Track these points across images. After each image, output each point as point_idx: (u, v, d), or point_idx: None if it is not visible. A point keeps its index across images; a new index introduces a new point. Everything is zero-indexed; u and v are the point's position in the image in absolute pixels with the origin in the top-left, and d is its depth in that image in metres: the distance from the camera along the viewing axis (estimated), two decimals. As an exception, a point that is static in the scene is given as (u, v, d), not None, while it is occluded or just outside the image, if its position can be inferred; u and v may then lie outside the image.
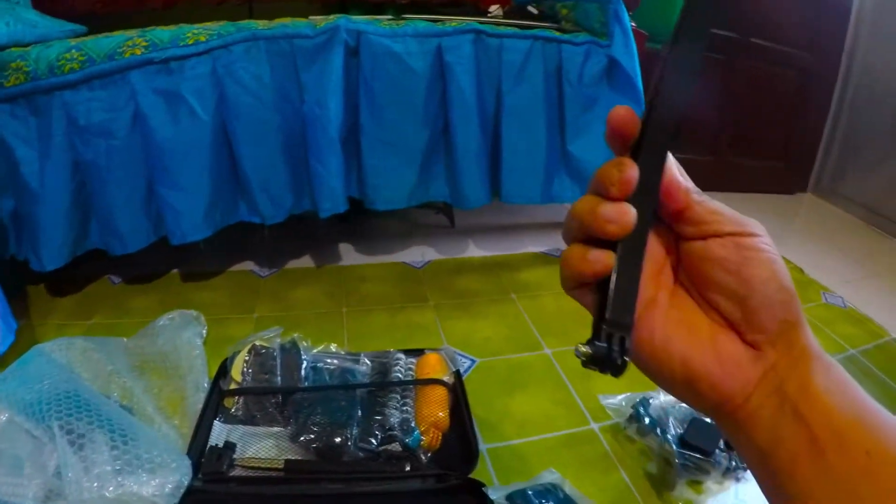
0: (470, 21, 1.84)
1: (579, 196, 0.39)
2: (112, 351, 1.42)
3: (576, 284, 0.39)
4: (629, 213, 0.36)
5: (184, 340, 1.49)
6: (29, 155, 1.53)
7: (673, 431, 1.28)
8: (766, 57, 3.02)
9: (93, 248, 1.71)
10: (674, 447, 1.24)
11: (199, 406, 1.30)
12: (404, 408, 1.30)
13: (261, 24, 1.69)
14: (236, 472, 1.17)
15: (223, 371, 1.40)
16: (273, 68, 1.69)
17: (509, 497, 1.13)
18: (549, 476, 1.20)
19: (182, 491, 1.06)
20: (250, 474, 1.18)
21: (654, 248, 0.41)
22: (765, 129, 3.21)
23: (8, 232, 1.61)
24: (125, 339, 1.52)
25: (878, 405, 0.36)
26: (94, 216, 1.66)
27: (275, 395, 1.32)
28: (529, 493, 1.13)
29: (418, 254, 2.20)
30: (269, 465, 1.18)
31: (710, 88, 2.89)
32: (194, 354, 1.46)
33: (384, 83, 1.76)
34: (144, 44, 1.56)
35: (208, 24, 1.68)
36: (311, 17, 1.79)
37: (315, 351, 1.49)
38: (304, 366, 1.41)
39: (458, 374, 1.43)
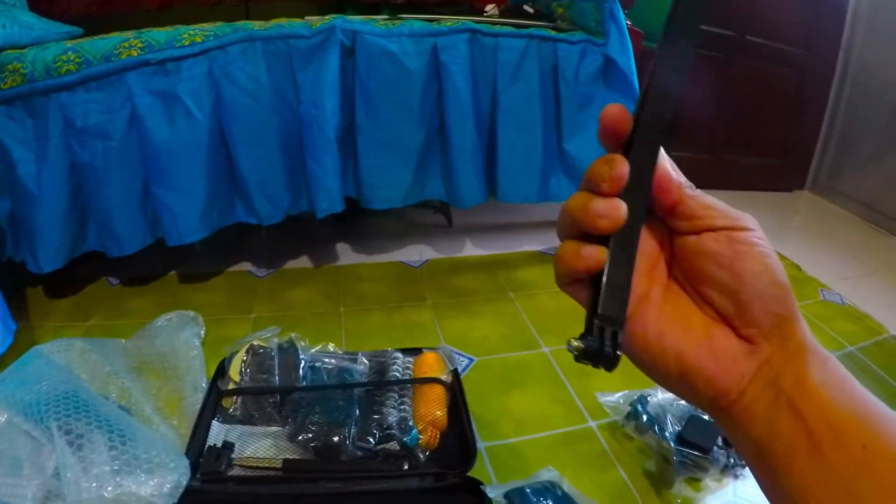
0: (466, 20, 1.85)
1: None
2: (110, 352, 1.42)
3: (570, 281, 0.39)
4: (620, 207, 0.37)
5: (182, 341, 1.49)
6: (26, 157, 1.53)
7: (671, 429, 1.28)
8: (763, 55, 3.03)
9: (90, 250, 1.71)
10: (672, 445, 1.24)
11: (198, 406, 1.30)
12: (402, 407, 1.30)
13: (257, 25, 1.70)
14: (234, 471, 1.18)
15: (221, 371, 1.40)
16: (269, 69, 1.69)
17: (507, 495, 1.13)
18: (548, 474, 1.20)
19: (180, 491, 1.06)
20: (248, 474, 1.18)
21: (648, 244, 0.42)
22: (762, 126, 3.21)
23: (5, 234, 1.61)
24: (123, 341, 1.52)
25: (875, 399, 0.36)
26: (91, 218, 1.66)
27: (273, 395, 1.32)
28: (527, 491, 1.13)
29: (416, 253, 2.20)
30: (267, 465, 1.18)
31: (708, 86, 2.89)
32: (192, 355, 1.46)
33: (380, 83, 1.76)
34: (140, 45, 1.56)
35: (204, 25, 1.68)
36: (307, 18, 1.79)
37: (313, 350, 1.49)
38: (301, 365, 1.41)
39: (455, 373, 1.43)
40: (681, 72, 0.40)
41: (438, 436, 1.27)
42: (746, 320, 0.37)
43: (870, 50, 3.02)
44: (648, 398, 1.37)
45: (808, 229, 2.92)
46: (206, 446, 1.20)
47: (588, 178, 0.38)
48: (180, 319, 1.61)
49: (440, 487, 1.16)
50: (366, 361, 1.45)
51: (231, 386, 1.35)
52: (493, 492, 1.14)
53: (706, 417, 1.30)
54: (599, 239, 0.38)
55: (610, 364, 0.37)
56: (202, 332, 1.62)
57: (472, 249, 2.26)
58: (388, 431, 1.23)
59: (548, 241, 2.31)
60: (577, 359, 0.38)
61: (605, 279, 0.38)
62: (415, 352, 1.51)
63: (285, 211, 1.84)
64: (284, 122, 1.74)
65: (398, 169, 1.89)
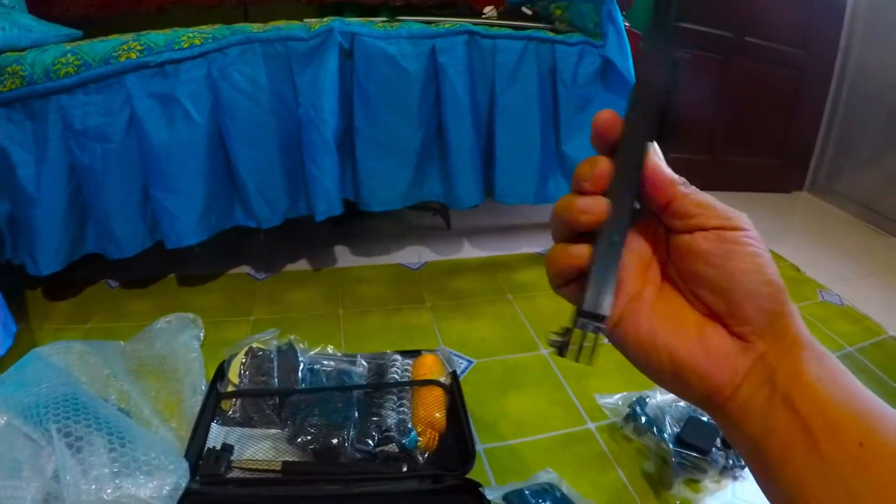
0: (464, 22, 1.85)
1: None
2: (109, 354, 1.42)
3: (562, 281, 0.41)
4: (601, 203, 0.38)
5: (181, 343, 1.49)
6: (25, 159, 1.53)
7: (670, 430, 1.28)
8: (762, 55, 3.03)
9: (89, 252, 1.71)
10: (670, 446, 1.24)
11: (197, 408, 1.30)
12: (401, 409, 1.30)
13: (255, 27, 1.70)
14: (234, 473, 1.18)
15: (220, 373, 1.40)
16: (268, 71, 1.69)
17: (506, 497, 1.13)
18: (546, 476, 1.20)
19: (180, 493, 1.06)
20: (248, 476, 1.18)
21: (642, 245, 0.42)
22: (760, 127, 3.22)
23: (4, 237, 1.61)
24: (122, 343, 1.52)
25: (872, 395, 0.35)
26: (90, 220, 1.66)
27: (272, 397, 1.32)
28: (526, 492, 1.13)
29: (414, 255, 2.21)
30: (266, 467, 1.18)
31: (706, 87, 2.90)
32: (191, 357, 1.46)
33: (378, 85, 1.76)
34: (139, 48, 1.56)
35: (203, 28, 1.69)
36: (305, 20, 1.80)
37: (312, 353, 1.49)
38: (300, 368, 1.41)
39: (454, 375, 1.43)
40: (664, 72, 0.40)
41: (437, 438, 1.27)
42: (738, 318, 0.38)
43: (868, 51, 3.03)
44: (647, 400, 1.37)
45: (807, 230, 2.93)
46: (206, 448, 1.20)
47: (573, 179, 0.40)
48: (179, 322, 1.61)
49: (439, 489, 1.16)
50: (365, 363, 1.46)
51: (230, 388, 1.35)
52: (492, 493, 1.14)
53: (705, 419, 1.30)
54: (587, 238, 0.39)
55: (588, 359, 0.40)
56: (201, 334, 1.63)
57: (470, 251, 2.27)
58: (386, 433, 1.23)
59: (546, 242, 2.31)
60: (559, 353, 0.40)
61: (589, 276, 0.38)
62: (413, 354, 1.51)
63: (283, 214, 1.84)
64: (283, 125, 1.74)
65: (396, 170, 1.89)
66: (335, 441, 1.20)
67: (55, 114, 1.53)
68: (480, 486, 1.15)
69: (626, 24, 1.94)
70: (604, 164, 0.39)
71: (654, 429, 1.29)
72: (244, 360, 1.40)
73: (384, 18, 1.98)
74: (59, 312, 1.75)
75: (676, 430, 1.28)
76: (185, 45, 1.59)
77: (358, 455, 1.20)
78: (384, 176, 1.88)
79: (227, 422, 1.29)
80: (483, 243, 2.32)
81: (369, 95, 1.77)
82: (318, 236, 2.28)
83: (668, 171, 0.39)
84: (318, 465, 1.20)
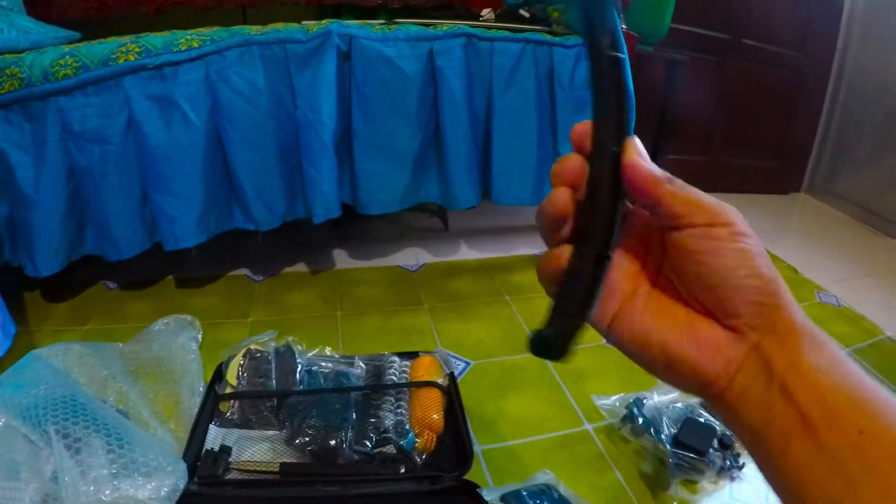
0: (461, 25, 1.85)
1: None
2: (108, 356, 1.43)
3: (552, 286, 0.41)
4: (564, 194, 0.40)
5: (179, 345, 1.49)
6: (24, 161, 1.53)
7: (667, 431, 1.29)
8: (759, 57, 3.03)
9: (88, 254, 1.71)
10: (668, 447, 1.25)
11: (195, 410, 1.30)
12: (398, 410, 1.31)
13: (254, 30, 1.70)
14: (232, 475, 1.18)
15: (218, 375, 1.40)
16: (266, 73, 1.69)
17: (504, 498, 1.13)
18: (544, 477, 1.20)
19: (178, 494, 1.06)
20: (246, 477, 1.18)
21: (635, 245, 0.44)
22: (758, 129, 3.22)
23: (3, 238, 1.61)
24: (121, 345, 1.52)
25: (874, 383, 0.35)
26: (89, 222, 1.67)
27: (270, 399, 1.32)
28: (524, 493, 1.13)
29: (412, 257, 2.21)
30: (264, 469, 1.18)
31: (704, 89, 2.90)
32: (189, 359, 1.46)
33: (376, 87, 1.77)
34: (138, 50, 1.56)
35: (201, 30, 1.69)
36: (303, 22, 1.80)
37: (310, 354, 1.50)
38: (298, 369, 1.41)
39: (452, 377, 1.43)
40: (610, 68, 0.41)
41: (435, 439, 1.27)
42: (727, 312, 0.38)
43: (865, 52, 3.03)
44: (644, 401, 1.38)
45: (805, 231, 2.93)
46: (204, 450, 1.21)
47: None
48: (177, 324, 1.61)
49: (436, 490, 1.16)
50: (362, 365, 1.46)
51: (228, 390, 1.35)
52: (490, 495, 1.14)
53: (702, 420, 1.30)
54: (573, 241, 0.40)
55: (560, 357, 0.41)
56: (199, 336, 1.63)
57: (467, 253, 2.27)
58: (384, 435, 1.23)
59: (543, 244, 2.30)
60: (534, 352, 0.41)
61: (565, 276, 0.40)
62: (411, 355, 1.51)
63: (282, 217, 1.84)
64: (281, 127, 1.74)
65: (394, 173, 1.89)
66: (333, 442, 1.20)
67: (54, 116, 1.53)
68: (478, 487, 1.15)
69: (623, 26, 1.94)
70: (572, 161, 0.40)
71: (652, 430, 1.30)
72: (242, 362, 1.40)
73: (382, 21, 1.98)
74: (58, 314, 1.76)
75: (673, 431, 1.28)
76: (184, 48, 1.60)
77: (356, 456, 1.21)
78: (382, 178, 1.88)
79: (225, 423, 1.29)
80: (480, 245, 2.32)
81: (367, 98, 1.77)
82: (317, 238, 2.28)
83: (651, 170, 0.39)
84: (315, 466, 1.20)
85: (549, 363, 1.60)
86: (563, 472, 1.23)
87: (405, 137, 1.85)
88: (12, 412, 1.07)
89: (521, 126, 1.93)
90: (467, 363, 1.60)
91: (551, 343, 0.40)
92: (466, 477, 1.18)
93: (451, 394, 1.38)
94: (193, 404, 1.33)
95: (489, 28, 1.91)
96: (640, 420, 1.33)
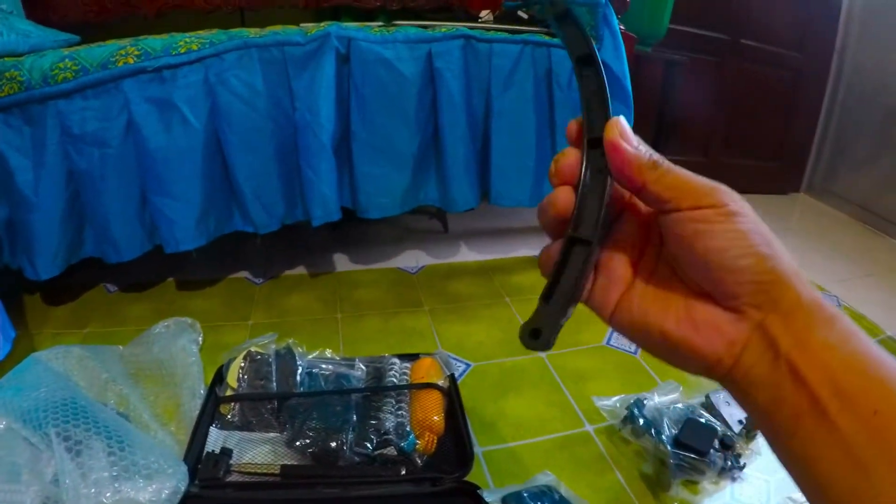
0: (460, 27, 1.85)
1: None
2: (108, 359, 1.43)
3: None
4: (563, 195, 0.40)
5: (179, 348, 1.49)
6: (23, 164, 1.53)
7: (667, 432, 1.29)
8: (758, 57, 3.04)
9: (88, 257, 1.71)
10: (668, 448, 1.25)
11: (196, 413, 1.30)
12: (399, 412, 1.31)
13: (252, 32, 1.70)
14: (233, 477, 1.18)
15: (219, 377, 1.40)
16: (265, 76, 1.69)
17: (504, 499, 1.13)
18: (545, 478, 1.20)
19: (179, 497, 1.06)
20: (247, 480, 1.18)
21: (635, 231, 0.44)
22: (757, 129, 3.23)
23: (2, 241, 1.61)
24: (121, 347, 1.52)
25: (890, 358, 0.34)
26: (88, 224, 1.67)
27: (270, 401, 1.32)
28: (525, 495, 1.13)
29: (412, 259, 2.21)
30: (265, 471, 1.18)
31: (703, 89, 2.90)
32: (190, 361, 1.46)
33: (375, 89, 1.76)
34: (137, 53, 1.56)
35: (200, 33, 1.69)
36: (302, 25, 1.80)
37: (310, 357, 1.49)
38: (299, 371, 1.41)
39: (452, 378, 1.43)
40: (590, 66, 0.42)
41: (435, 441, 1.27)
42: (724, 294, 0.38)
43: (863, 52, 3.04)
44: (645, 402, 1.38)
45: (804, 231, 2.93)
46: (205, 452, 1.21)
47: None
48: (178, 326, 1.61)
49: (437, 492, 1.16)
50: (363, 367, 1.46)
51: (229, 392, 1.35)
52: (491, 496, 1.14)
53: (703, 420, 1.31)
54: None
55: (547, 347, 0.42)
56: (200, 338, 1.63)
57: (467, 255, 2.27)
58: (385, 437, 1.23)
59: (542, 245, 2.31)
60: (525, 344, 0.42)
61: (554, 269, 0.41)
62: (412, 357, 1.51)
63: (281, 219, 1.84)
64: (280, 129, 1.74)
65: (394, 175, 1.89)
66: (333, 444, 1.20)
67: (53, 119, 1.53)
68: (479, 488, 1.15)
69: (622, 27, 1.95)
70: (568, 157, 0.40)
71: (652, 431, 1.30)
72: (243, 365, 1.40)
73: (380, 23, 1.98)
74: (58, 317, 1.76)
75: (674, 431, 1.28)
76: (183, 51, 1.60)
77: (356, 458, 1.21)
78: (382, 181, 1.88)
79: (225, 425, 1.29)
80: (480, 247, 2.32)
81: (366, 100, 1.77)
82: (316, 241, 2.28)
83: (635, 153, 0.39)
84: (316, 468, 1.20)
85: (549, 365, 1.60)
86: (563, 474, 1.23)
87: (404, 139, 1.85)
88: (13, 415, 1.07)
89: (519, 127, 1.93)
90: (468, 365, 1.60)
91: (538, 333, 0.41)
92: (467, 478, 1.18)
93: (452, 395, 1.38)
94: (194, 407, 1.33)
95: (488, 29, 1.91)
96: (641, 421, 1.33)
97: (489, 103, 1.90)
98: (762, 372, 0.36)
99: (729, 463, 1.25)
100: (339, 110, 1.76)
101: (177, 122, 1.61)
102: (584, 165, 0.40)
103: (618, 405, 1.42)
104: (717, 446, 1.26)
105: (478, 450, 1.30)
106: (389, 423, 1.26)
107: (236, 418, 1.30)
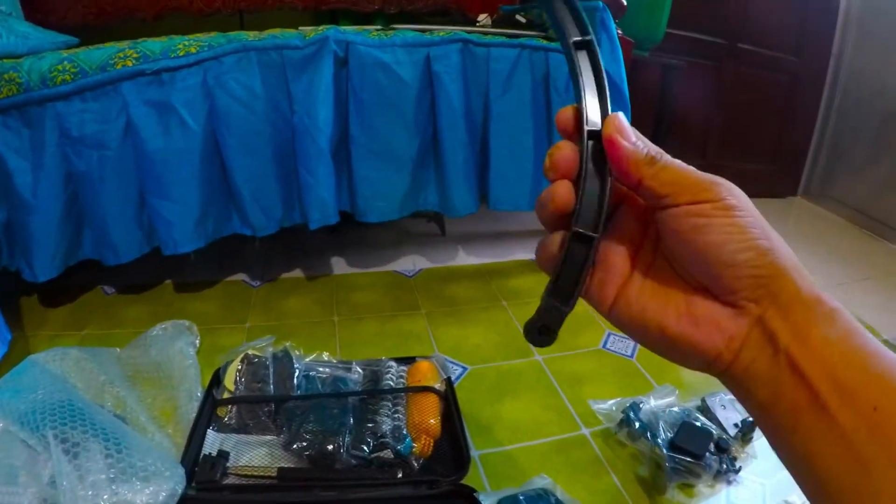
0: (458, 30, 1.86)
1: None
2: (105, 361, 1.43)
3: (549, 271, 0.42)
4: (562, 189, 0.39)
5: (176, 350, 1.49)
6: (22, 166, 1.53)
7: (663, 435, 1.29)
8: (755, 61, 3.05)
9: (86, 259, 1.71)
10: (664, 451, 1.25)
11: (193, 415, 1.30)
12: (396, 415, 1.31)
13: (251, 35, 1.70)
14: (230, 480, 1.18)
15: (216, 380, 1.41)
16: (263, 79, 1.69)
17: (501, 502, 1.14)
18: (541, 481, 1.20)
19: (176, 499, 1.06)
20: (244, 482, 1.18)
21: (633, 226, 0.43)
22: (754, 133, 3.24)
23: (0, 243, 1.61)
24: (118, 350, 1.52)
25: (891, 354, 0.33)
26: (87, 227, 1.67)
27: (267, 404, 1.33)
28: (521, 498, 1.14)
29: (409, 262, 2.21)
30: (262, 473, 1.18)
31: (700, 93, 2.91)
32: (187, 364, 1.46)
33: (373, 93, 1.77)
34: (136, 55, 1.56)
35: (199, 36, 1.69)
36: (300, 28, 1.80)
37: (307, 359, 1.49)
38: (296, 374, 1.41)
39: (449, 382, 1.43)
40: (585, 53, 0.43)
41: (432, 444, 1.27)
42: (722, 289, 0.38)
43: (860, 56, 3.05)
44: (641, 405, 1.38)
45: (802, 235, 2.94)
46: (202, 455, 1.21)
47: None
48: (175, 329, 1.61)
49: (434, 495, 1.16)
50: (360, 370, 1.46)
51: (226, 395, 1.35)
52: (487, 499, 1.14)
53: (699, 424, 1.31)
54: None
55: (549, 342, 0.42)
56: (197, 341, 1.63)
57: (465, 258, 2.27)
58: (381, 440, 1.23)
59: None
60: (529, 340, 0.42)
61: (558, 264, 0.40)
62: (408, 360, 1.51)
63: (279, 222, 1.84)
64: (278, 133, 1.75)
65: (393, 179, 1.89)
66: (330, 447, 1.20)
67: (52, 121, 1.53)
68: (475, 491, 1.15)
69: (619, 31, 1.95)
70: (563, 150, 0.40)
71: (648, 434, 1.30)
72: (240, 367, 1.40)
73: (379, 27, 1.99)
74: (55, 319, 1.75)
75: (670, 435, 1.29)
76: (181, 53, 1.60)
77: (353, 461, 1.21)
78: (380, 185, 1.88)
79: (222, 428, 1.29)
80: (478, 250, 2.33)
81: (364, 103, 1.77)
82: (314, 244, 2.28)
83: (633, 149, 0.39)
84: (313, 471, 1.20)
85: (545, 368, 1.61)
86: (560, 477, 1.23)
87: (402, 143, 1.85)
88: (10, 417, 1.07)
89: (517, 131, 1.94)
90: (464, 368, 1.61)
91: (542, 329, 0.41)
92: (464, 481, 1.18)
93: (449, 398, 1.38)
94: (191, 409, 1.33)
95: (486, 34, 1.91)
96: (637, 424, 1.33)
97: (487, 107, 1.90)
98: (762, 367, 0.36)
99: (724, 466, 1.26)
100: (337, 114, 1.76)
101: (175, 125, 1.62)
102: (583, 159, 0.40)
103: (614, 408, 1.42)
104: (712, 450, 1.26)
105: (474, 453, 1.30)
106: (386, 426, 1.27)
107: (233, 421, 1.30)
